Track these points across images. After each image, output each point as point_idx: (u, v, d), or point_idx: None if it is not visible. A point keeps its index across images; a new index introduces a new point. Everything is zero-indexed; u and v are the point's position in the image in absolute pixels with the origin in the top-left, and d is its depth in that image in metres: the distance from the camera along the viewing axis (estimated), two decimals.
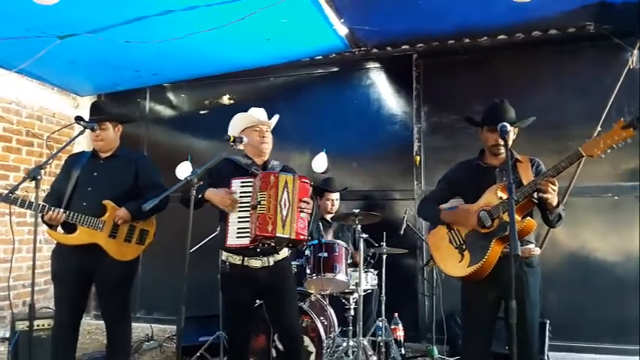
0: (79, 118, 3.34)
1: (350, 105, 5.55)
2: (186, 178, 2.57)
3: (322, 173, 5.39)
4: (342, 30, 4.65)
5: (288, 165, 3.29)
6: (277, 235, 2.74)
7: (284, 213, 2.80)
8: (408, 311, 4.77)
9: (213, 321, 4.26)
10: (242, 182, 2.92)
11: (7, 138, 5.33)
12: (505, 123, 2.58)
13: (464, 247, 2.80)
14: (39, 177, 2.72)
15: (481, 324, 2.80)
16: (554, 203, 2.54)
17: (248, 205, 2.84)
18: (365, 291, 4.01)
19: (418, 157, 5.24)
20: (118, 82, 5.41)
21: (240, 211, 2.86)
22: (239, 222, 2.85)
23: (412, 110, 5.32)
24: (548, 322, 4.36)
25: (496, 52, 5.08)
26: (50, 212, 3.06)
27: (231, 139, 2.96)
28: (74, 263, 3.18)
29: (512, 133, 2.78)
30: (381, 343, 4.15)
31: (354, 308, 3.99)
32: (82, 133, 3.17)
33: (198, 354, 4.18)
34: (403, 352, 4.32)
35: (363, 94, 5.54)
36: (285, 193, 2.83)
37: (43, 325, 3.71)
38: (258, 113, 3.17)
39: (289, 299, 3.06)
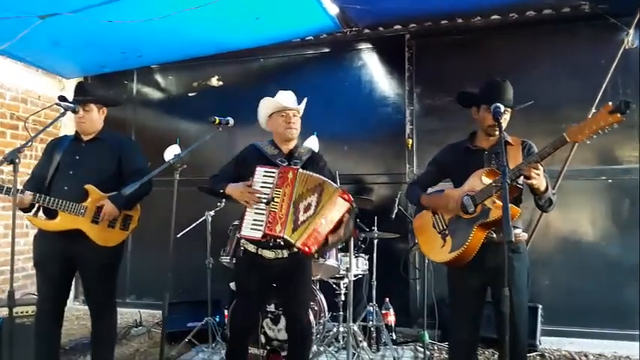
0: (62, 99, 3.25)
1: (341, 87, 5.44)
2: (169, 162, 2.50)
3: None
4: (333, 9, 4.54)
5: (317, 153, 3.16)
6: (285, 236, 2.65)
7: (300, 217, 2.68)
8: (399, 296, 4.73)
9: (201, 307, 4.21)
10: (265, 172, 2.78)
11: None
12: (499, 104, 2.52)
13: (446, 232, 2.74)
14: (17, 160, 2.62)
15: (467, 310, 2.76)
16: (542, 188, 2.47)
17: (266, 197, 2.73)
18: (355, 276, 3.98)
19: (410, 140, 5.16)
20: (105, 63, 5.27)
21: (259, 202, 2.74)
22: (255, 214, 2.74)
23: (404, 92, 5.22)
24: (540, 307, 4.35)
25: (490, 33, 4.98)
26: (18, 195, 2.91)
27: (216, 122, 2.87)
28: (56, 250, 3.08)
29: (507, 114, 2.71)
30: (372, 328, 4.14)
31: (345, 293, 3.96)
32: (63, 114, 3.09)
33: (186, 340, 4.13)
34: (394, 337, 4.30)
35: (355, 76, 5.43)
36: (315, 197, 2.70)
37: (27, 312, 3.62)
38: (284, 98, 3.00)
39: (301, 291, 2.97)
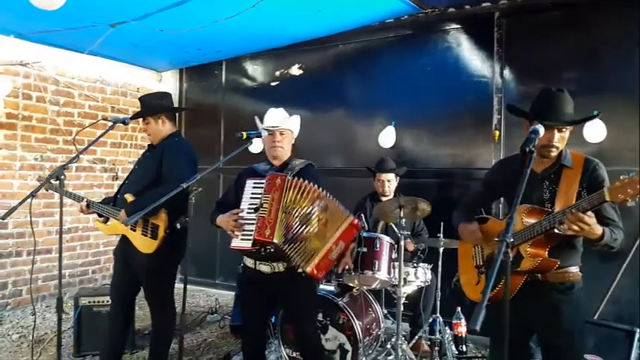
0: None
1: (423, 72, 5.03)
2: (181, 186, 2.48)
3: (390, 149, 5.05)
4: None
5: (312, 163, 3.05)
6: (275, 241, 2.57)
7: (294, 224, 2.62)
8: (474, 305, 4.36)
9: None
10: (254, 183, 2.79)
11: (93, 115, 5.66)
12: (537, 127, 2.11)
13: (482, 269, 2.42)
14: (62, 177, 2.83)
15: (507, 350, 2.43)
16: (594, 237, 2.03)
17: (255, 206, 2.71)
18: (418, 286, 3.75)
19: (497, 132, 4.65)
20: (187, 59, 5.44)
21: (247, 213, 2.73)
22: (245, 224, 2.71)
23: (493, 77, 4.68)
24: (638, 330, 3.75)
25: (595, 7, 4.21)
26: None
27: (244, 137, 2.81)
28: (119, 250, 3.40)
29: (567, 132, 2.27)
30: (436, 342, 3.89)
31: (403, 304, 3.75)
32: (112, 127, 3.22)
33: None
34: (464, 348, 4.01)
35: (438, 60, 4.98)
36: (316, 209, 2.67)
37: (103, 302, 3.94)
38: (269, 117, 2.96)
39: (302, 307, 2.92)
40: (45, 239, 5.22)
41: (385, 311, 3.99)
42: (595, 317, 4.03)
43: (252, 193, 2.75)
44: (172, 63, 5.93)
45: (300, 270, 2.62)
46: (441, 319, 3.93)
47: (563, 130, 2.23)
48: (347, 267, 2.80)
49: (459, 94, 4.87)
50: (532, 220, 2.16)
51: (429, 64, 5.03)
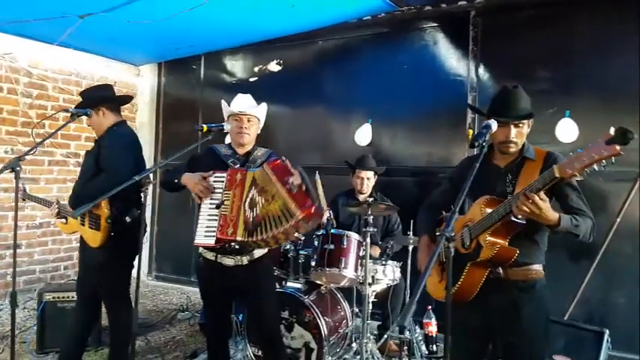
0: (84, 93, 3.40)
1: (399, 70, 5.01)
2: (133, 178, 2.42)
3: (366, 146, 5.02)
4: None
5: (274, 151, 2.97)
6: (238, 239, 2.54)
7: (248, 215, 2.57)
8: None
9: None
10: (215, 177, 2.72)
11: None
12: (489, 121, 2.11)
13: (444, 266, 2.38)
14: (18, 168, 2.76)
15: (466, 353, 2.40)
16: (548, 222, 2.01)
17: (216, 202, 2.66)
18: (387, 284, 3.72)
19: (471, 131, 4.62)
20: (162, 53, 5.37)
21: (210, 208, 2.67)
22: (208, 220, 2.66)
23: (468, 76, 4.67)
24: (607, 332, 3.75)
25: (569, 7, 4.20)
26: None
27: (204, 130, 2.76)
28: (79, 249, 3.38)
29: (524, 127, 2.26)
30: (404, 341, 3.86)
31: (373, 302, 3.72)
32: (72, 119, 3.16)
33: None
34: (435, 348, 4.00)
35: (413, 58, 4.96)
36: (254, 190, 2.59)
37: (69, 297, 3.87)
38: (238, 102, 2.90)
39: (265, 301, 2.87)
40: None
41: (356, 309, 3.96)
42: (565, 317, 4.02)
43: (215, 187, 2.69)
44: (148, 57, 5.86)
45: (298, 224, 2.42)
46: (411, 319, 3.91)
47: (520, 125, 2.23)
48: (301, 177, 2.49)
49: (434, 93, 4.85)
50: (491, 210, 2.14)
51: (405, 62, 5.01)
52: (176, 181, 2.77)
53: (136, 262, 3.15)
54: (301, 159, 5.40)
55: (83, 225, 3.19)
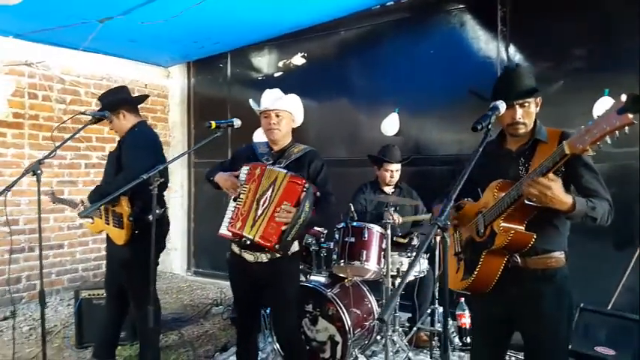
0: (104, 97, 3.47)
1: (426, 56, 4.88)
2: (141, 177, 2.45)
3: (394, 136, 4.92)
4: None
5: (315, 149, 2.89)
6: (244, 234, 2.54)
7: (259, 212, 2.56)
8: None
9: None
10: (244, 170, 2.73)
11: None
12: (497, 103, 2.01)
13: (461, 255, 2.30)
14: (39, 171, 2.84)
15: (487, 343, 2.32)
16: (561, 207, 1.87)
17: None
18: (414, 276, 3.65)
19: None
20: (187, 52, 5.43)
21: (232, 200, 2.72)
22: (230, 211, 2.71)
23: (497, 58, 4.49)
24: None
25: None
26: None
27: (212, 126, 2.76)
28: (106, 247, 3.48)
29: (530, 106, 2.14)
30: (435, 333, 3.78)
31: (402, 294, 3.64)
32: (91, 122, 3.24)
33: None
34: (468, 340, 3.87)
35: (440, 43, 4.82)
36: (270, 190, 2.57)
37: (103, 295, 3.98)
38: (263, 99, 2.83)
39: (282, 303, 2.81)
40: (57, 234, 5.35)
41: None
42: (608, 307, 3.81)
43: (240, 180, 2.71)
44: (174, 57, 5.95)
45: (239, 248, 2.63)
46: (441, 310, 3.81)
47: (525, 104, 2.11)
48: (294, 222, 2.49)
49: (463, 78, 4.65)
50: (504, 194, 2.04)
51: (431, 47, 4.88)
52: (211, 178, 2.86)
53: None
54: (328, 152, 5.39)
55: (108, 224, 3.28)
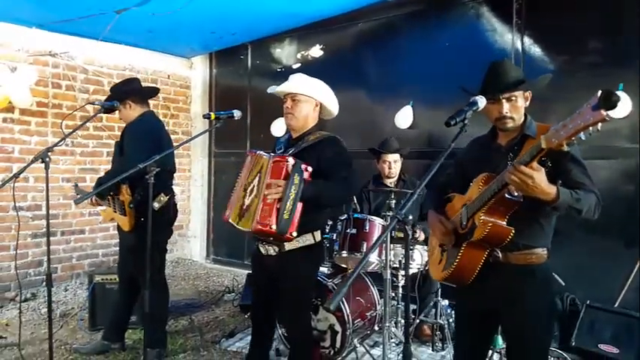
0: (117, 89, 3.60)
1: (441, 49, 4.83)
2: (138, 166, 2.53)
3: (407, 129, 4.90)
4: None
5: (334, 136, 2.83)
6: (231, 222, 2.61)
7: (246, 201, 2.61)
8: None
9: None
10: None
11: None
12: (476, 98, 2.01)
13: (444, 247, 2.30)
14: (47, 159, 2.96)
15: (469, 336, 2.33)
16: (547, 197, 1.85)
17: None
18: (417, 269, 3.65)
19: None
20: (206, 43, 5.52)
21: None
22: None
23: (512, 52, 4.42)
24: None
25: None
26: None
27: (212, 117, 2.81)
28: (118, 234, 3.63)
29: (518, 100, 2.12)
30: (437, 326, 3.78)
31: (402, 286, 3.67)
32: (100, 112, 3.36)
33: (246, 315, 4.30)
34: None
35: (455, 35, 4.77)
36: (257, 178, 2.62)
37: (115, 279, 4.11)
38: (287, 83, 2.79)
39: (291, 297, 2.79)
40: (78, 220, 5.54)
41: (391, 294, 3.89)
42: (615, 305, 3.73)
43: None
44: (194, 49, 6.05)
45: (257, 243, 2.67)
46: (446, 302, 3.80)
47: (512, 98, 2.10)
48: (287, 199, 2.46)
49: (478, 70, 4.58)
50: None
51: (446, 40, 4.83)
52: None
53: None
54: None
55: (115, 211, 3.39)
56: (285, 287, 2.77)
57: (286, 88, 2.75)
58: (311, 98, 2.76)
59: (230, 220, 2.63)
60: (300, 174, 2.49)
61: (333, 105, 2.86)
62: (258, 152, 2.73)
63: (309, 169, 2.54)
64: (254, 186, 2.60)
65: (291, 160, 2.50)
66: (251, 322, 3.09)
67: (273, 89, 2.82)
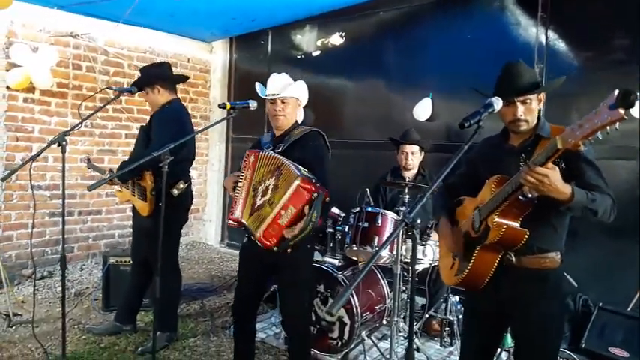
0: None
1: (462, 40, 4.74)
2: (152, 154, 2.55)
3: (426, 121, 4.85)
4: None
5: (317, 130, 2.85)
6: (243, 222, 2.60)
7: (257, 201, 2.60)
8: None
9: None
10: (243, 159, 2.80)
11: None
12: (492, 99, 1.97)
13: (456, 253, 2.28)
14: (64, 142, 2.99)
15: (477, 338, 2.32)
16: (562, 197, 1.82)
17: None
18: (429, 264, 3.63)
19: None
20: (227, 29, 5.50)
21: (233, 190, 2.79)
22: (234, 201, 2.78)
23: (535, 45, 4.32)
24: None
25: None
26: None
27: (227, 107, 2.82)
28: (132, 217, 3.69)
29: (532, 102, 2.09)
30: (446, 321, 3.77)
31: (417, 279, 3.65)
32: (118, 97, 3.39)
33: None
34: None
35: (477, 27, 4.68)
36: (273, 179, 2.58)
37: (129, 261, 4.16)
38: (269, 85, 2.86)
39: (291, 291, 2.80)
40: (95, 201, 5.62)
41: (403, 287, 3.88)
42: (629, 308, 3.67)
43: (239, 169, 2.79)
44: (214, 33, 6.04)
45: (252, 237, 2.64)
46: (456, 298, 3.79)
47: (527, 101, 2.06)
48: (299, 232, 2.51)
49: (500, 64, 4.51)
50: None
51: (468, 31, 4.74)
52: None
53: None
54: (360, 134, 5.41)
55: (134, 195, 3.42)
56: (286, 278, 2.79)
57: (279, 91, 2.79)
58: (296, 99, 2.85)
59: (242, 220, 2.62)
60: (318, 211, 2.49)
61: (306, 98, 2.94)
62: (268, 153, 2.70)
63: (328, 199, 2.57)
64: (267, 187, 2.59)
65: (316, 194, 2.49)
66: (232, 317, 3.03)
67: (263, 93, 2.86)
